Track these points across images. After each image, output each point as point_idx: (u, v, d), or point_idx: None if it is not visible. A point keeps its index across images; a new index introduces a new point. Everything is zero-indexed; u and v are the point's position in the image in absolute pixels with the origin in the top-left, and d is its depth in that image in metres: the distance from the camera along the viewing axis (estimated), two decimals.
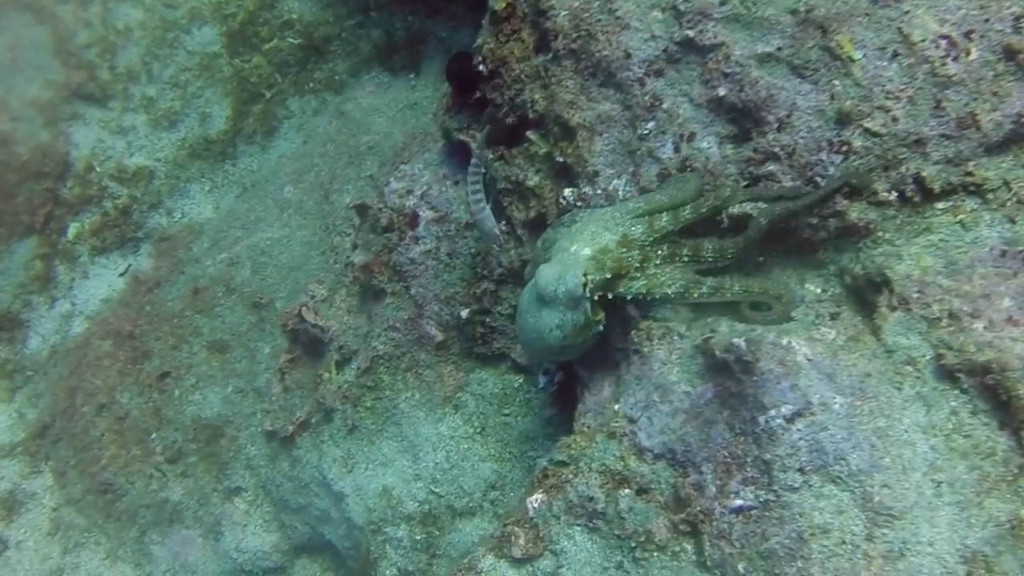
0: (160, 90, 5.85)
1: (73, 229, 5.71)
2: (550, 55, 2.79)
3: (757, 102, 2.41)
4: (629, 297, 2.38)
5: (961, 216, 2.28)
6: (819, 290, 2.43)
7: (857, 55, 2.32)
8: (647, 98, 2.60)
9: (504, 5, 2.92)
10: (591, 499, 2.34)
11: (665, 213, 2.39)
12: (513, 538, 2.42)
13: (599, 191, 2.68)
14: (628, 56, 2.62)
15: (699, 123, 2.53)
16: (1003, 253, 2.19)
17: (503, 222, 3.13)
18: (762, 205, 2.39)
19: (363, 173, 4.54)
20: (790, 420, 2.09)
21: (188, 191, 5.59)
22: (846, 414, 2.08)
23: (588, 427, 2.57)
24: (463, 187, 3.37)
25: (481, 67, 3.03)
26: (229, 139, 5.54)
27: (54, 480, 4.92)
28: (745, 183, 2.44)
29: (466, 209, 3.26)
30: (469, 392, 3.47)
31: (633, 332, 2.48)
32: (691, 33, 2.52)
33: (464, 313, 3.39)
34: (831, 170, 2.33)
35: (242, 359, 4.46)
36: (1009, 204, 2.25)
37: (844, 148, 2.33)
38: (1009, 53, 2.24)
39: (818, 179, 2.35)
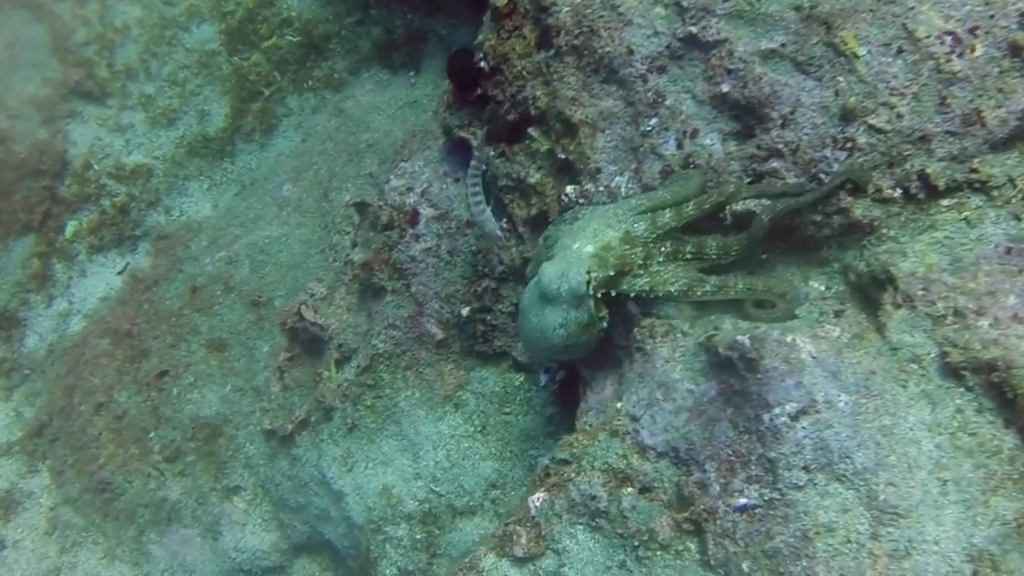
0: (158, 88, 5.82)
1: (71, 227, 5.69)
2: (552, 51, 2.78)
3: (761, 98, 2.40)
4: (632, 295, 2.36)
5: (966, 213, 2.27)
6: (823, 288, 2.41)
7: (861, 51, 2.31)
8: (650, 95, 2.59)
9: (506, 1, 2.91)
10: (593, 498, 2.33)
11: (668, 209, 2.37)
12: (515, 537, 2.40)
13: (601, 188, 2.66)
14: (631, 52, 2.60)
15: (702, 120, 2.52)
16: (1008, 250, 2.18)
17: (504, 219, 3.11)
18: (765, 202, 2.37)
19: (362, 171, 4.52)
20: (795, 418, 2.07)
21: (186, 189, 5.56)
22: (851, 412, 2.07)
23: (590, 425, 2.56)
24: (463, 185, 3.36)
25: (482, 64, 3.02)
26: (228, 137, 5.51)
27: (51, 479, 4.90)
28: (749, 180, 2.43)
29: (466, 209, 3.24)
30: (470, 390, 3.45)
31: (636, 330, 2.46)
32: (694, 29, 2.51)
33: (465, 311, 3.37)
34: (835, 167, 2.32)
35: (241, 357, 4.44)
36: (1014, 201, 2.24)
37: (848, 145, 2.31)
38: (1014, 49, 2.23)
39: (822, 176, 2.34)
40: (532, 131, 2.90)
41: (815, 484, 2.04)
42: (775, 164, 2.39)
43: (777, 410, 2.09)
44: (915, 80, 2.28)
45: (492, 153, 3.07)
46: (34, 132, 5.83)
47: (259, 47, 5.44)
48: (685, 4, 2.52)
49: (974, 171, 2.26)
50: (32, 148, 5.75)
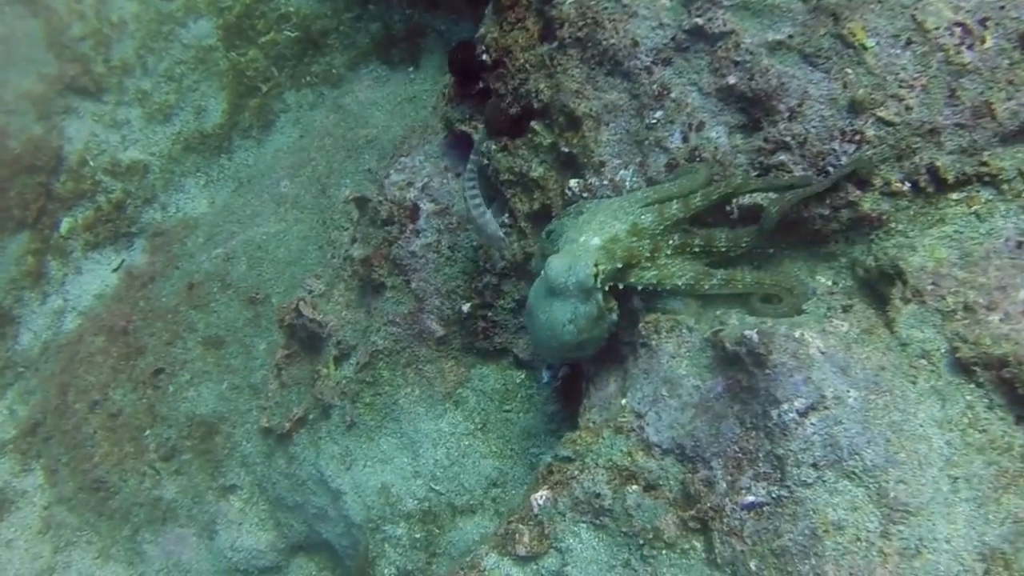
0: (155, 83, 5.78)
1: (66, 224, 5.64)
2: (555, 44, 2.74)
3: (768, 91, 2.37)
4: (640, 288, 2.33)
5: (976, 207, 2.24)
6: (830, 282, 2.38)
7: (870, 43, 2.28)
8: (655, 87, 2.55)
9: None
10: (598, 495, 2.29)
11: (675, 201, 2.34)
12: (517, 535, 2.36)
13: (605, 182, 2.63)
14: (635, 44, 2.57)
15: (708, 112, 2.48)
16: (1019, 244, 2.15)
17: (506, 214, 3.07)
18: (773, 196, 2.34)
19: (361, 167, 4.48)
20: (803, 414, 2.04)
21: (183, 185, 5.52)
22: (860, 408, 2.04)
23: (594, 422, 2.52)
24: (463, 181, 3.32)
25: (484, 57, 2.98)
26: (225, 133, 5.47)
27: (45, 478, 4.85)
28: (756, 173, 2.40)
29: (465, 212, 3.20)
30: (470, 388, 3.41)
31: (641, 325, 2.43)
32: (700, 21, 2.47)
33: (465, 307, 3.33)
34: (844, 160, 2.29)
35: (238, 355, 4.40)
36: None
37: (857, 137, 2.28)
38: None
39: (830, 169, 2.30)
40: (535, 124, 2.86)
41: (824, 481, 2.01)
42: (782, 157, 2.36)
43: (785, 406, 2.06)
44: (924, 72, 2.25)
45: (494, 148, 3.04)
46: (29, 128, 5.78)
47: (256, 42, 5.40)
48: None
49: (984, 164, 2.23)
50: (27, 144, 5.71)
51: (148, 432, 4.48)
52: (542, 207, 2.90)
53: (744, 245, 2.34)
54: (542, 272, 2.31)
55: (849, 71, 2.30)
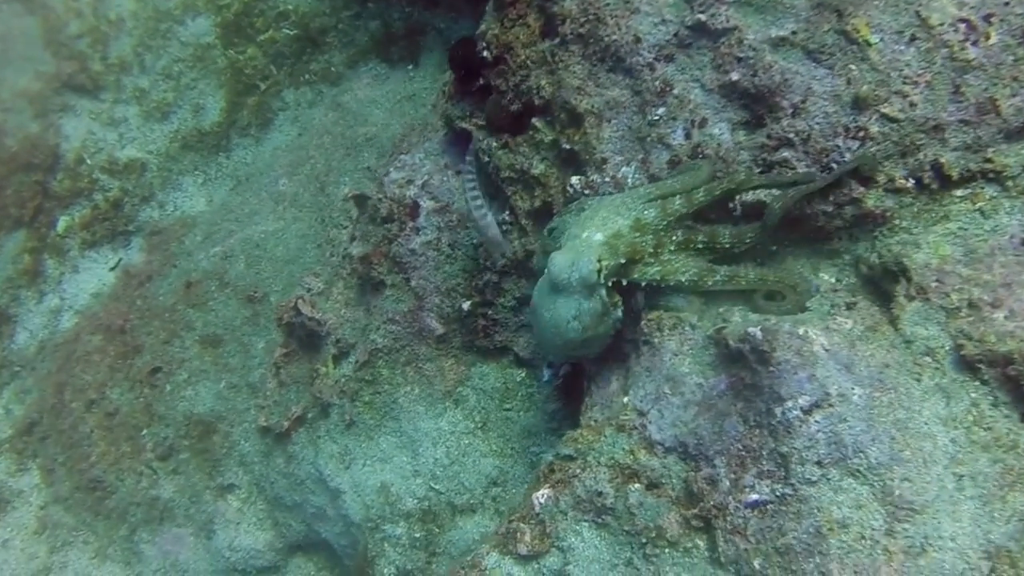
0: (153, 81, 5.76)
1: (63, 222, 5.61)
2: (557, 40, 2.73)
3: (771, 87, 2.35)
4: (643, 284, 2.31)
5: (980, 203, 2.23)
6: (833, 280, 2.37)
7: (874, 39, 2.27)
8: (657, 83, 2.54)
9: None
10: (600, 494, 2.28)
11: (678, 196, 2.32)
12: (518, 534, 2.34)
13: (607, 179, 2.61)
14: (638, 40, 2.56)
15: (711, 109, 2.47)
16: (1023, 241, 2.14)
17: (506, 212, 3.06)
18: (776, 192, 2.33)
19: (360, 165, 4.46)
20: (808, 411, 2.03)
21: (181, 184, 5.49)
22: (865, 405, 2.02)
23: (595, 421, 2.51)
24: (463, 175, 3.30)
25: (485, 53, 2.97)
26: (223, 131, 5.44)
27: (41, 478, 4.82)
28: (759, 170, 2.38)
29: (466, 212, 3.18)
30: (470, 386, 3.39)
31: (643, 322, 2.42)
32: (703, 17, 2.46)
33: (466, 305, 3.32)
34: (847, 156, 2.28)
35: (236, 354, 4.37)
36: None
37: (861, 134, 2.27)
38: None
39: (834, 165, 2.29)
40: (536, 121, 2.85)
41: (829, 479, 1.99)
42: (786, 154, 2.35)
43: (789, 403, 2.04)
44: (929, 68, 2.24)
45: (494, 145, 3.02)
46: (26, 126, 5.76)
47: (255, 40, 5.37)
48: None
49: (988, 161, 2.22)
50: (24, 142, 5.68)
51: (145, 431, 4.45)
52: (543, 204, 2.89)
53: (748, 241, 2.33)
54: (546, 270, 2.29)
55: (853, 67, 2.28)
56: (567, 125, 2.73)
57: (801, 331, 2.10)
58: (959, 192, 2.25)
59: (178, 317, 4.63)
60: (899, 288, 2.20)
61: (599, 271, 2.22)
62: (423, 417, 3.42)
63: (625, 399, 2.40)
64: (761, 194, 2.36)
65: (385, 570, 3.38)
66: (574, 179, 2.69)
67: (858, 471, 1.98)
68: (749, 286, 2.30)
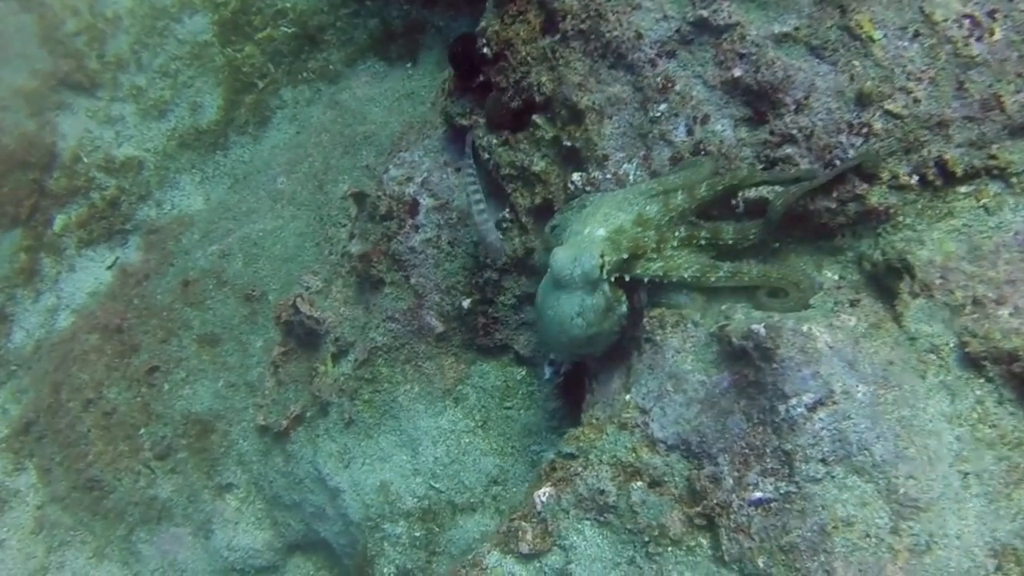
0: (150, 79, 5.73)
1: (59, 221, 5.58)
2: (558, 36, 2.72)
3: (774, 83, 2.34)
4: (646, 279, 2.30)
5: (984, 200, 2.22)
6: (836, 277, 2.36)
7: (877, 35, 2.26)
8: (659, 80, 2.53)
9: None
10: (602, 492, 2.26)
11: (680, 191, 2.31)
12: (520, 533, 2.33)
13: (609, 175, 2.60)
14: (639, 37, 2.54)
15: (713, 105, 2.46)
16: None
17: (507, 209, 3.04)
18: (779, 189, 2.32)
19: (359, 163, 4.44)
20: (812, 409, 2.01)
21: (178, 182, 5.47)
22: (869, 403, 2.01)
23: (597, 418, 2.49)
24: (462, 172, 3.28)
25: (485, 50, 2.96)
26: (220, 129, 5.42)
27: (38, 477, 4.79)
28: (761, 166, 2.37)
29: (467, 208, 3.16)
30: (470, 385, 3.38)
31: (645, 320, 2.40)
32: (705, 13, 2.45)
33: (466, 303, 3.30)
34: (851, 153, 2.27)
35: (234, 352, 4.35)
36: None
37: (864, 130, 2.26)
38: None
39: (837, 162, 2.28)
40: (536, 118, 2.84)
41: (833, 477, 1.98)
42: (789, 150, 2.34)
43: (794, 401, 2.03)
44: (932, 64, 2.23)
45: (495, 142, 3.01)
46: (22, 124, 5.73)
47: (253, 38, 5.35)
48: None
49: (993, 157, 2.22)
50: (20, 140, 5.65)
51: (143, 430, 4.43)
52: (544, 202, 2.87)
53: (751, 238, 2.32)
54: (549, 267, 2.27)
55: (856, 63, 2.27)
56: (568, 122, 2.71)
57: (805, 328, 2.09)
58: (963, 189, 2.24)
59: (176, 316, 4.61)
60: (903, 285, 2.19)
61: (601, 266, 2.20)
62: (423, 415, 3.40)
63: (627, 397, 2.39)
64: (764, 191, 2.35)
65: (385, 569, 3.36)
66: (575, 176, 2.67)
67: (863, 469, 1.97)
68: (752, 282, 2.28)
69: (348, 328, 3.66)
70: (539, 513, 2.33)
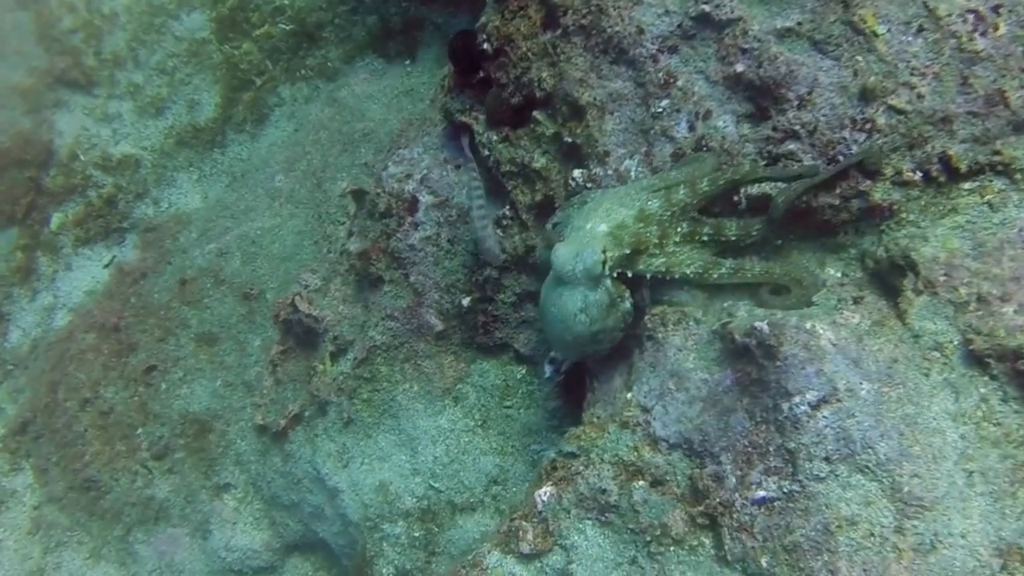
0: (147, 76, 5.70)
1: (56, 219, 5.55)
2: (559, 31, 2.70)
3: (777, 79, 2.32)
4: (648, 275, 2.28)
5: (988, 196, 2.20)
6: (839, 274, 2.34)
7: (881, 30, 2.24)
8: (661, 75, 2.51)
9: None
10: (603, 491, 2.24)
11: (682, 186, 2.29)
12: (521, 532, 2.31)
13: (610, 172, 2.58)
14: (641, 32, 2.52)
15: (715, 101, 2.44)
16: None
17: (507, 206, 3.02)
18: (781, 186, 2.30)
19: (357, 160, 4.42)
20: (815, 407, 2.00)
21: (175, 180, 5.44)
22: (873, 401, 2.00)
23: (598, 417, 2.47)
24: (464, 172, 3.26)
25: (485, 45, 2.93)
26: (218, 127, 5.39)
27: (35, 477, 4.76)
28: (764, 162, 2.35)
29: (467, 204, 3.14)
30: (470, 384, 3.36)
31: (646, 317, 2.38)
32: (707, 8, 2.43)
33: (465, 301, 3.28)
34: (854, 149, 2.25)
35: (231, 352, 4.32)
36: None
37: (868, 126, 2.24)
38: None
39: (840, 158, 2.26)
40: (537, 114, 2.82)
41: (837, 475, 1.96)
42: (792, 146, 2.32)
43: (797, 399, 2.01)
44: (936, 59, 2.21)
45: (495, 138, 2.99)
46: (18, 122, 5.70)
47: (251, 35, 5.32)
48: None
49: (997, 153, 2.20)
50: (16, 138, 5.62)
51: (140, 430, 4.40)
52: (544, 198, 2.85)
53: (755, 234, 2.30)
54: (551, 264, 2.25)
55: (860, 58, 2.26)
56: (569, 118, 2.69)
57: (808, 325, 2.07)
58: (967, 185, 2.23)
59: (173, 315, 4.58)
60: (906, 282, 2.17)
61: (603, 262, 2.18)
62: (422, 415, 3.38)
63: (628, 395, 2.37)
64: (766, 187, 2.33)
65: (384, 570, 3.34)
66: (576, 172, 2.65)
67: (867, 467, 1.95)
68: (755, 279, 2.27)
69: (347, 327, 3.64)
70: (540, 513, 2.32)
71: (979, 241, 2.15)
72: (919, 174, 2.24)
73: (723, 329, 2.20)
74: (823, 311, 2.19)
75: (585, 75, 2.62)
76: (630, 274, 2.26)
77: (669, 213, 2.29)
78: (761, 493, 2.04)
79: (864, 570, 1.89)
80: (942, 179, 2.23)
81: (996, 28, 2.19)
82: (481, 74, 3.03)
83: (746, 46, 2.37)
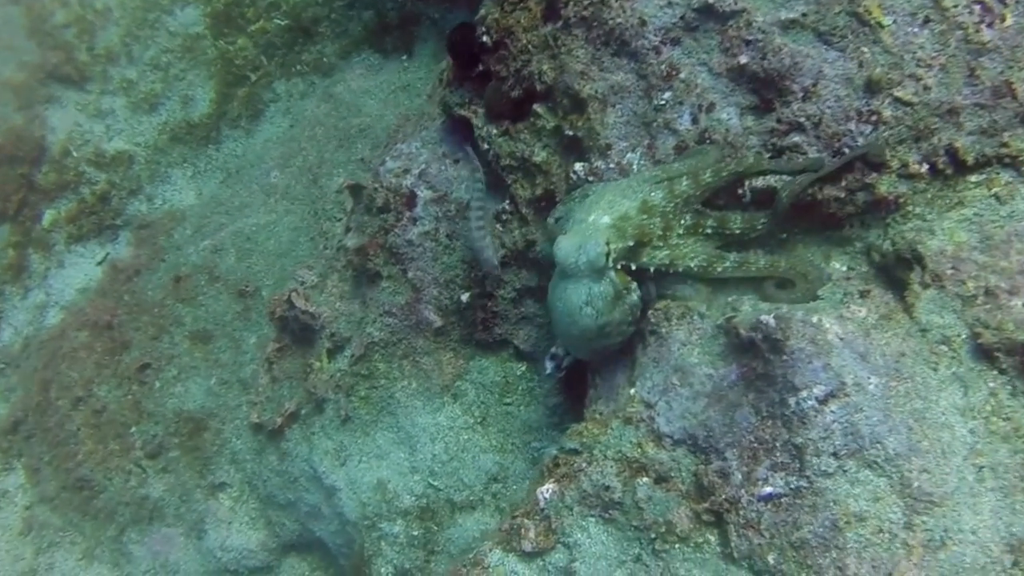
0: (140, 72, 5.64)
1: (48, 216, 5.49)
2: (559, 23, 2.66)
3: (781, 70, 2.29)
4: (652, 269, 2.24)
5: (996, 189, 2.18)
6: (845, 267, 2.32)
7: (887, 21, 2.22)
8: (663, 67, 2.47)
9: None
10: (607, 488, 2.21)
11: (684, 177, 2.26)
12: (523, 531, 2.28)
13: (612, 165, 2.55)
14: (643, 23, 2.49)
15: (719, 93, 2.41)
16: None
17: (507, 201, 2.99)
18: (785, 179, 2.27)
19: (354, 156, 4.38)
20: (823, 401, 1.97)
21: (169, 177, 5.38)
22: (881, 395, 1.97)
23: (601, 413, 2.44)
24: (463, 167, 3.23)
25: (485, 38, 2.90)
26: (212, 123, 5.34)
27: (27, 477, 4.71)
28: (769, 155, 2.32)
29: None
30: (469, 380, 3.32)
31: (650, 312, 2.35)
32: None
33: (464, 297, 3.24)
34: (860, 141, 2.22)
35: (226, 349, 4.28)
36: None
37: (873, 118, 2.22)
38: None
39: (846, 150, 2.24)
40: (538, 107, 2.78)
41: (845, 471, 1.94)
42: (796, 138, 2.29)
43: (804, 393, 1.98)
44: (943, 51, 2.19)
45: (494, 132, 2.95)
46: (10, 118, 5.64)
47: (245, 31, 5.27)
48: None
49: (1004, 145, 2.18)
50: (8, 134, 5.56)
51: (134, 429, 4.35)
52: (545, 193, 2.82)
53: (760, 228, 2.27)
54: (554, 257, 2.21)
55: (865, 50, 2.23)
56: (570, 111, 2.66)
57: (815, 319, 2.04)
58: (974, 177, 2.20)
59: (167, 312, 4.54)
60: (913, 276, 2.15)
61: (607, 254, 2.15)
62: (421, 412, 3.35)
63: (632, 391, 2.34)
64: (771, 180, 2.30)
65: (382, 569, 3.30)
66: (577, 166, 2.62)
67: (875, 462, 1.93)
68: (760, 273, 2.24)
69: (344, 323, 3.60)
70: (542, 510, 2.28)
71: (986, 234, 2.13)
72: (926, 166, 2.21)
73: (728, 323, 2.17)
74: (829, 305, 2.16)
75: (586, 67, 2.59)
76: (634, 267, 2.23)
77: (672, 205, 2.26)
78: (768, 489, 2.01)
79: (873, 567, 1.86)
80: (949, 171, 2.21)
81: (1003, 19, 2.17)
82: (480, 67, 3.00)
83: (750, 37, 2.34)
